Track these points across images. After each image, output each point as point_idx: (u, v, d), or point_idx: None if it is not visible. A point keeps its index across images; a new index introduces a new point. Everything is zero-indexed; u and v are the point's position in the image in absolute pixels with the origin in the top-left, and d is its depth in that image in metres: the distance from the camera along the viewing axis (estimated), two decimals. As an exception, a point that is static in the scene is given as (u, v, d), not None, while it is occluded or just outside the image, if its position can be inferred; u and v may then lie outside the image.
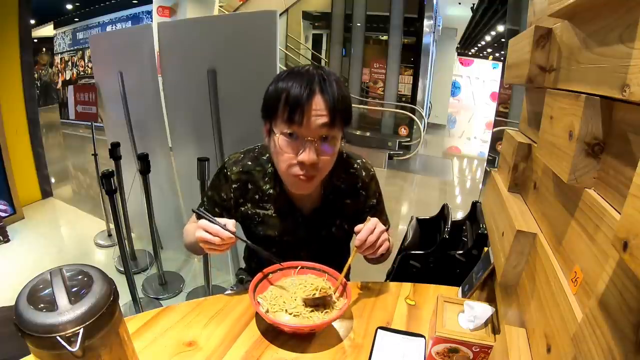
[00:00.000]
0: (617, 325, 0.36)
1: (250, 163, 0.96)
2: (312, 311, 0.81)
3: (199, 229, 0.80)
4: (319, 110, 0.78)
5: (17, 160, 3.05)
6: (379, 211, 1.04)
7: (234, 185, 0.95)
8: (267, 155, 0.95)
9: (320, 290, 0.83)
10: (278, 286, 0.88)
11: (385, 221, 1.06)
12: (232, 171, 0.95)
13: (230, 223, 0.81)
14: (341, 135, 0.86)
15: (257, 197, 0.96)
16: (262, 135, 0.96)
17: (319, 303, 0.83)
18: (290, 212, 0.96)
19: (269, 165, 0.95)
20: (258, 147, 1.00)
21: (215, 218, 0.82)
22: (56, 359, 0.49)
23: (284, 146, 0.81)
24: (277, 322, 0.76)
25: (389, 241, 1.00)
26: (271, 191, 0.95)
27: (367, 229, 0.83)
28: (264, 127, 0.88)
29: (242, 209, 0.97)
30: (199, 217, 0.87)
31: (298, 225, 0.97)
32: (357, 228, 0.84)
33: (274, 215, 0.96)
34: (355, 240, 0.84)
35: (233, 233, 0.80)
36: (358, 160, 1.01)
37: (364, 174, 0.99)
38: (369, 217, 0.86)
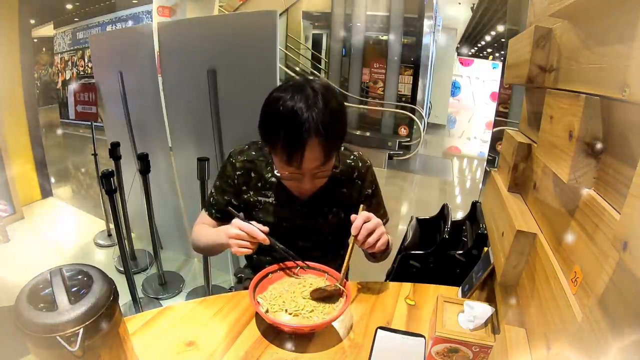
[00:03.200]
0: (617, 325, 0.36)
1: (254, 153, 1.01)
2: (312, 311, 0.81)
3: (232, 227, 0.85)
4: (314, 154, 0.81)
5: (17, 160, 3.05)
6: (377, 203, 1.07)
7: (237, 172, 1.00)
8: None
9: (328, 286, 0.85)
10: (278, 286, 0.88)
11: (383, 214, 1.10)
12: (237, 159, 1.01)
13: (261, 226, 0.85)
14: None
15: (259, 185, 1.00)
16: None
17: (326, 296, 0.84)
18: (289, 199, 0.99)
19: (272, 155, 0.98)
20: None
21: (250, 221, 0.86)
22: (56, 358, 0.49)
23: (283, 174, 0.88)
24: (277, 322, 0.76)
25: (388, 238, 1.00)
26: (273, 179, 0.99)
27: (363, 216, 0.86)
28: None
29: (245, 196, 1.01)
30: (212, 215, 1.03)
31: (296, 212, 1.00)
32: (352, 217, 0.86)
33: (274, 202, 1.00)
34: (352, 228, 0.85)
35: (266, 234, 0.84)
36: (355, 153, 1.05)
37: (360, 164, 1.03)
38: (362, 206, 0.89)
